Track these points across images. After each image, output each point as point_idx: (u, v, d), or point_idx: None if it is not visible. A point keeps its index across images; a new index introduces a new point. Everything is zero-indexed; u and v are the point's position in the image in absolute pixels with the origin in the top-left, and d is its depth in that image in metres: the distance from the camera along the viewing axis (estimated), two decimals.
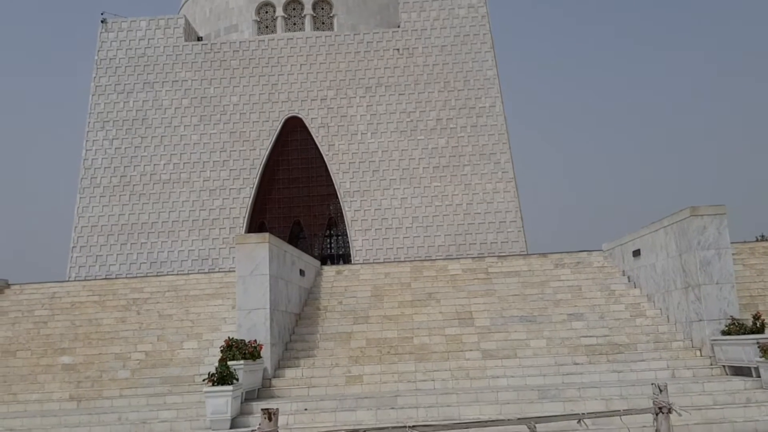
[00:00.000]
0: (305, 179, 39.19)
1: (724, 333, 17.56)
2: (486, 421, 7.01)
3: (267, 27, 40.86)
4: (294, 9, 41.01)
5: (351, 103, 38.03)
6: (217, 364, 16.60)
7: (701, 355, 18.27)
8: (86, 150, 37.82)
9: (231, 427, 15.52)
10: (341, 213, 37.35)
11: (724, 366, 17.55)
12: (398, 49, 38.98)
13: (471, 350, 19.21)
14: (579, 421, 6.53)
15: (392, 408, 15.82)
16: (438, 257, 33.35)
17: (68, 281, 27.36)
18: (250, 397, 17.17)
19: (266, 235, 19.16)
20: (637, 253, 21.93)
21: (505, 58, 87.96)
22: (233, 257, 28.99)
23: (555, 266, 24.33)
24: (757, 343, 16.31)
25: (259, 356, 17.63)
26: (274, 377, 18.44)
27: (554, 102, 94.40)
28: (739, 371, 17.15)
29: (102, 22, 39.51)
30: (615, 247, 23.98)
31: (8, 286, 25.51)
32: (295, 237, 39.55)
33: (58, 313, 22.93)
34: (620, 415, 6.75)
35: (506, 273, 23.93)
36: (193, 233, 36.59)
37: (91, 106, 38.49)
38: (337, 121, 37.85)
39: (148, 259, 36.26)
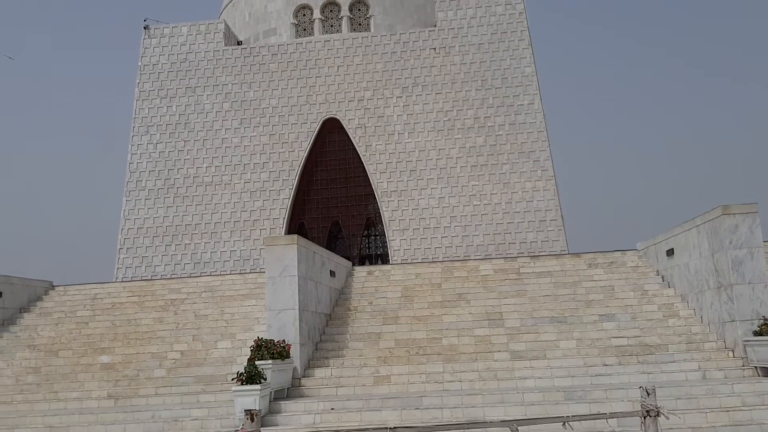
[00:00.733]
0: (343, 180, 39.55)
1: (756, 334, 17.19)
2: (467, 424, 7.10)
3: (305, 30, 41.34)
4: (331, 11, 41.38)
5: (388, 104, 38.22)
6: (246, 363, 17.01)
7: (734, 357, 17.92)
8: (131, 154, 38.91)
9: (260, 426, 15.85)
10: (379, 213, 37.57)
11: (756, 367, 17.18)
12: (435, 48, 39.00)
13: (500, 351, 19.21)
14: (564, 424, 6.57)
15: (417, 408, 15.97)
16: (476, 257, 33.31)
17: (109, 283, 28.23)
18: (279, 396, 17.52)
19: (295, 236, 19.49)
20: (670, 253, 21.58)
21: (545, 54, 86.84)
22: None
23: (588, 266, 24.09)
24: None
25: (287, 356, 17.97)
26: (304, 377, 18.76)
27: (591, 99, 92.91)
28: None
29: (145, 28, 40.58)
30: (649, 246, 23.62)
31: (53, 287, 26.51)
32: (333, 237, 39.96)
33: (99, 313, 23.74)
34: (606, 418, 6.75)
35: (538, 273, 23.80)
36: (234, 234, 37.31)
37: (135, 111, 39.59)
38: (374, 122, 38.09)
39: (192, 260, 37.12)
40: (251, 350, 17.46)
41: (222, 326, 21.88)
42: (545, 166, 36.50)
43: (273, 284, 19.03)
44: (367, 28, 40.91)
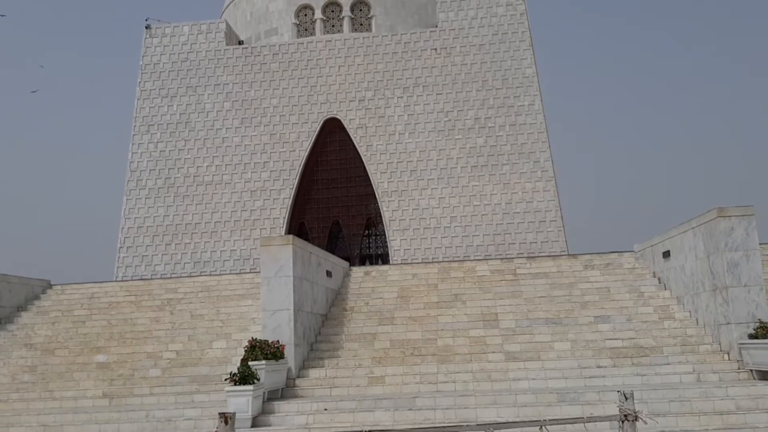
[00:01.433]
0: (344, 180, 39.57)
1: (751, 337, 17.13)
2: (446, 427, 7.11)
3: (306, 30, 41.38)
4: (332, 11, 41.41)
5: (389, 104, 38.24)
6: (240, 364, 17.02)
7: (729, 359, 17.86)
8: (132, 153, 39.00)
9: (252, 426, 15.91)
10: (379, 213, 37.59)
11: (751, 370, 17.12)
12: (436, 49, 39.00)
13: (494, 352, 19.19)
14: (541, 428, 6.57)
15: (410, 409, 15.97)
16: (476, 257, 33.30)
17: (107, 282, 28.28)
18: (273, 396, 17.54)
19: (290, 237, 19.51)
20: (666, 255, 21.53)
21: (543, 56, 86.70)
22: None
23: (584, 267, 24.05)
24: None
25: (281, 356, 17.99)
26: (298, 377, 18.77)
27: (590, 100, 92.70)
28: (767, 376, 16.71)
29: (146, 27, 40.66)
30: (646, 248, 23.57)
31: (50, 286, 26.58)
32: (333, 237, 39.99)
33: (95, 312, 23.80)
34: (584, 422, 6.74)
35: (534, 274, 23.77)
36: (234, 234, 37.38)
37: (136, 110, 39.68)
38: (375, 122, 38.11)
39: (192, 259, 37.19)
40: (245, 350, 17.48)
41: (218, 326, 21.92)
42: (545, 167, 36.48)
43: (268, 284, 19.05)
44: (369, 29, 40.93)
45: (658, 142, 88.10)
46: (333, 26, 41.24)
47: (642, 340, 19.16)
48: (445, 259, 33.14)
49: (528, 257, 27.26)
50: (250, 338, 17.95)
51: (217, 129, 38.89)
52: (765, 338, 16.71)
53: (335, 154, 39.76)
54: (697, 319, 19.72)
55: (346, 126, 38.24)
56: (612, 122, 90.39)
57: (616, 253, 24.87)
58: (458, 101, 37.91)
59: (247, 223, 37.50)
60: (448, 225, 36.17)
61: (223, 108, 39.06)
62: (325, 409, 16.41)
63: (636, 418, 6.67)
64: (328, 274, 22.79)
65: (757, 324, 17.18)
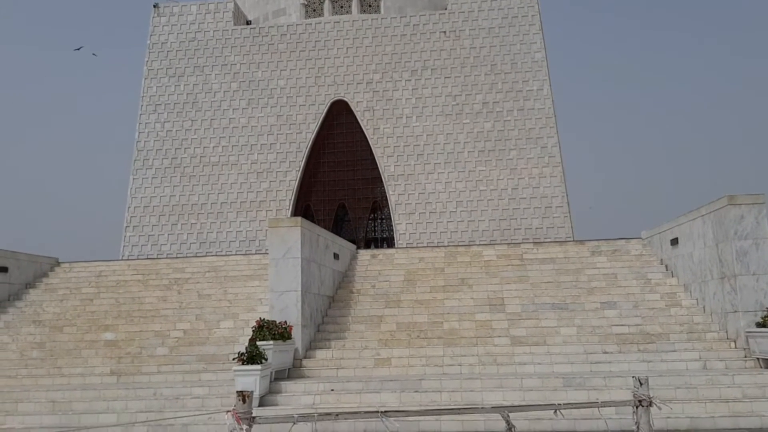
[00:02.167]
0: (350, 162, 39.48)
1: (759, 325, 17.12)
2: (460, 409, 7.14)
3: (314, 10, 41.12)
4: None
5: (397, 87, 38.08)
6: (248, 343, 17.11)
7: (735, 347, 17.87)
8: (139, 132, 38.98)
9: (259, 405, 15.98)
10: (386, 197, 37.56)
11: (758, 359, 17.12)
12: (445, 32, 38.77)
13: (500, 336, 19.24)
14: (555, 412, 6.59)
15: (416, 391, 16.05)
16: (481, 242, 33.30)
17: (114, 260, 28.36)
18: (280, 376, 17.63)
19: (299, 219, 19.52)
20: (675, 242, 21.50)
21: (553, 40, 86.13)
22: None
23: (591, 253, 24.04)
24: None
25: (289, 337, 18.07)
26: (305, 358, 18.85)
27: (600, 87, 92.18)
28: None
29: (154, 6, 40.49)
30: (654, 235, 23.54)
31: (58, 264, 26.67)
32: (339, 220, 39.99)
33: (103, 291, 23.89)
34: (598, 407, 6.76)
35: (541, 260, 23.78)
36: (240, 215, 37.41)
37: (143, 90, 39.59)
38: (383, 105, 37.98)
39: (198, 239, 37.26)
40: (253, 331, 17.55)
41: (225, 306, 21.99)
42: (552, 152, 36.35)
43: (276, 266, 19.10)
44: (377, 10, 40.66)
45: (668, 130, 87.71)
46: (341, 7, 40.98)
47: (648, 326, 19.18)
48: (451, 244, 33.16)
49: (535, 242, 27.26)
50: (258, 318, 18.02)
51: (224, 109, 38.81)
52: None
53: (342, 137, 39.65)
54: (704, 307, 19.73)
55: (353, 108, 38.12)
56: (621, 110, 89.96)
57: (624, 240, 24.84)
58: (466, 85, 37.73)
59: (253, 205, 37.52)
60: (454, 209, 36.15)
61: (230, 88, 38.96)
62: (332, 390, 16.50)
63: (650, 404, 6.68)
64: (336, 256, 22.82)
65: (765, 312, 17.17)
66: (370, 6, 41.03)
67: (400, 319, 20.59)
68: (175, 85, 39.38)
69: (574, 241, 27.39)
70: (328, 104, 38.25)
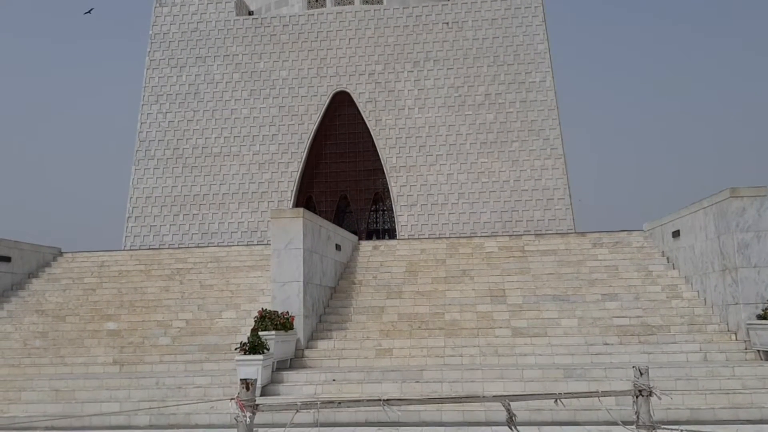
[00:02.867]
0: (352, 154, 39.47)
1: (759, 317, 17.16)
2: (461, 398, 7.19)
3: (317, 1, 41.00)
4: None
5: (399, 78, 38.03)
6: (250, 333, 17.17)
7: (736, 339, 17.93)
8: (141, 123, 38.98)
9: (261, 395, 16.05)
10: (387, 188, 37.57)
11: (758, 351, 17.18)
12: (447, 23, 38.67)
13: (501, 327, 19.30)
14: (556, 401, 6.64)
15: (417, 381, 16.12)
16: (483, 234, 33.33)
17: (117, 251, 28.44)
18: (282, 366, 17.71)
19: (301, 210, 19.56)
20: (676, 234, 21.53)
21: (555, 32, 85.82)
22: None
23: (593, 245, 24.08)
24: None
25: (291, 327, 18.13)
26: (307, 348, 18.93)
27: (602, 79, 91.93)
28: None
29: None
30: (656, 227, 23.57)
31: (61, 254, 26.75)
32: (341, 211, 40.02)
33: (106, 281, 23.97)
34: (598, 396, 6.81)
35: (543, 251, 23.82)
36: (242, 206, 37.46)
37: (145, 80, 39.56)
38: (385, 96, 37.94)
39: (200, 230, 37.33)
40: (255, 321, 17.62)
41: (227, 296, 22.07)
42: (555, 144, 36.32)
43: (278, 257, 19.15)
44: (380, 1, 40.53)
45: (671, 122, 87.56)
46: None
47: (649, 318, 19.24)
48: (452, 235, 33.21)
49: (536, 234, 27.30)
50: (260, 309, 18.09)
51: (225, 100, 38.80)
52: None
53: (344, 128, 39.62)
54: (705, 299, 19.77)
55: (355, 100, 38.09)
56: (624, 102, 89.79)
57: (625, 232, 24.87)
58: (469, 76, 37.67)
59: (255, 196, 37.56)
60: (456, 201, 36.15)
61: (232, 79, 38.93)
62: (333, 380, 16.58)
63: (650, 394, 6.73)
64: (338, 247, 22.86)
65: (766, 305, 17.22)
66: None
67: (401, 310, 20.66)
68: (177, 76, 39.36)
69: (575, 233, 27.42)
70: (330, 95, 38.22)
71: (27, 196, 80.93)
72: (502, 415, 6.72)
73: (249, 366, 16.12)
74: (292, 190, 37.49)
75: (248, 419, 6.08)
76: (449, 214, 36.00)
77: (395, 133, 37.48)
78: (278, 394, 16.26)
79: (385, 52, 38.46)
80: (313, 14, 39.42)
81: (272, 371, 16.96)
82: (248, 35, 39.46)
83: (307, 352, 18.72)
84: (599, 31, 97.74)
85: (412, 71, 38.07)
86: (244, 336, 18.22)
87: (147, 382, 16.85)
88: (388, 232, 39.81)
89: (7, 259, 23.83)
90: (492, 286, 21.64)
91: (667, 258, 22.51)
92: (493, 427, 12.89)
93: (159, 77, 39.39)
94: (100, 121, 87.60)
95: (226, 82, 38.93)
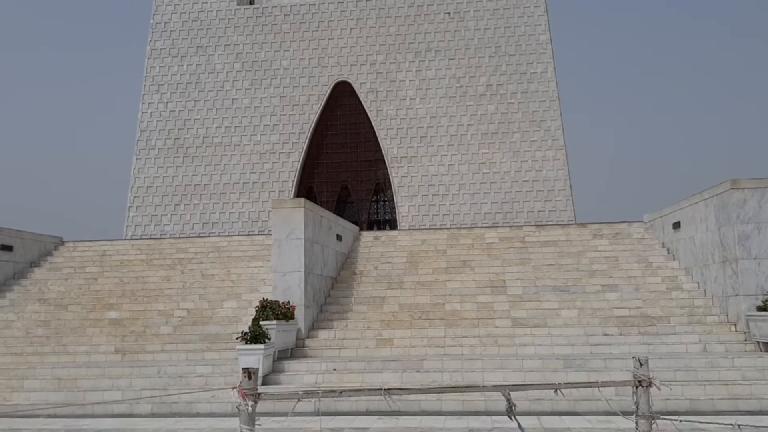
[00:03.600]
0: (353, 144, 39.47)
1: (759, 309, 17.21)
2: (461, 388, 7.24)
3: None
4: None
5: (400, 68, 37.97)
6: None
7: (736, 331, 17.99)
8: (142, 112, 38.97)
9: (262, 384, 16.11)
10: (388, 179, 37.59)
11: (758, 342, 17.25)
12: (449, 13, 38.57)
13: (501, 318, 19.38)
14: (556, 391, 6.69)
15: (417, 371, 16.20)
16: (483, 225, 33.37)
17: (118, 240, 28.50)
18: (283, 356, 17.79)
19: (302, 200, 19.60)
20: (677, 226, 21.56)
21: (557, 22, 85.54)
22: None
23: (593, 237, 24.13)
24: None
25: (292, 317, 18.21)
26: (308, 338, 19.01)
27: (603, 69, 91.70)
28: None
29: None
30: (656, 218, 23.60)
31: (62, 243, 26.81)
32: (342, 202, 40.06)
33: (107, 270, 24.04)
34: (598, 386, 6.86)
35: (543, 242, 23.87)
36: (243, 196, 37.49)
37: (146, 69, 39.52)
38: (386, 86, 37.89)
39: (201, 220, 37.39)
40: (256, 310, 17.69)
41: (228, 286, 22.14)
42: (556, 135, 36.31)
43: (279, 247, 19.20)
44: None
45: (673, 114, 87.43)
46: None
47: (649, 309, 19.30)
48: (453, 226, 33.25)
49: (537, 225, 27.35)
50: (262, 298, 18.15)
51: (227, 90, 38.77)
52: None
53: (345, 118, 39.60)
54: (705, 291, 19.83)
55: (356, 90, 38.05)
56: (626, 93, 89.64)
57: (626, 223, 24.91)
58: (470, 67, 37.60)
59: (256, 186, 37.59)
60: (457, 192, 36.17)
61: (233, 69, 38.88)
62: (334, 369, 16.65)
63: (650, 384, 6.77)
64: (339, 237, 22.91)
65: (766, 296, 17.26)
66: None
67: (402, 300, 20.73)
68: (178, 65, 39.31)
69: (576, 224, 27.45)
70: (332, 85, 38.17)
71: (28, 183, 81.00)
72: (502, 405, 6.77)
73: (250, 355, 16.20)
74: (293, 181, 37.51)
75: (250, 408, 6.13)
76: (450, 204, 36.02)
77: (396, 124, 37.45)
78: (279, 384, 16.35)
79: (386, 42, 38.39)
80: (314, 4, 39.31)
81: (273, 361, 17.04)
82: (249, 24, 39.38)
83: (308, 342, 18.80)
84: (601, 21, 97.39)
85: (414, 61, 38.00)
86: (245, 325, 18.30)
87: (149, 370, 16.94)
88: (389, 222, 39.86)
89: (9, 248, 23.89)
90: (492, 276, 21.70)
91: (668, 249, 22.55)
92: (493, 417, 12.97)
93: (160, 66, 39.34)
94: (102, 110, 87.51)
95: (227, 72, 38.88)
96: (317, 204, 28.57)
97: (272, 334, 16.99)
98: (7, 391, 16.00)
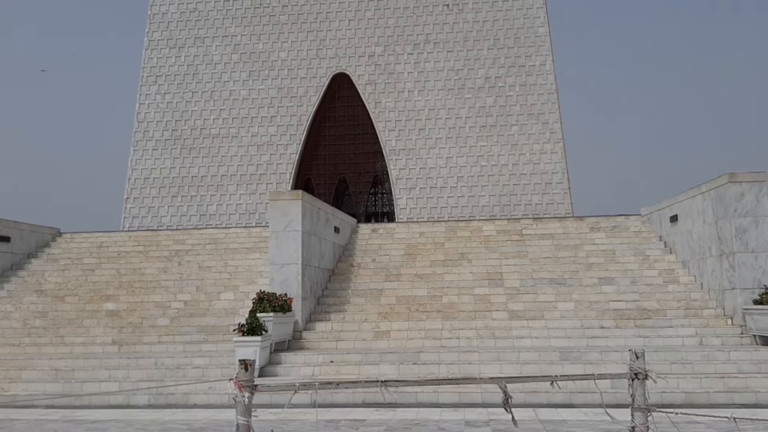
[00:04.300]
0: (351, 136, 39.48)
1: (756, 302, 17.25)
2: (458, 380, 7.25)
3: None
4: None
5: (399, 60, 37.89)
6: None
7: (732, 324, 18.03)
8: (139, 104, 38.87)
9: (259, 376, 16.14)
10: (386, 171, 37.56)
11: (754, 336, 17.29)
12: (448, 5, 38.48)
13: (498, 310, 19.40)
14: (552, 383, 6.71)
15: (414, 363, 16.22)
16: (481, 217, 33.38)
17: (115, 231, 28.47)
18: (280, 348, 17.78)
19: (299, 192, 19.57)
20: (674, 219, 21.58)
21: (556, 15, 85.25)
22: None
23: (590, 230, 24.14)
24: None
25: (289, 309, 18.20)
26: (305, 330, 19.02)
27: (602, 64, 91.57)
28: None
29: None
30: (653, 211, 23.62)
31: (60, 234, 26.76)
32: (340, 194, 40.06)
33: (105, 261, 24.02)
34: (594, 379, 6.87)
35: (540, 235, 23.88)
36: (240, 187, 37.46)
37: (144, 61, 39.41)
38: (385, 78, 37.82)
39: (198, 212, 37.36)
40: (253, 302, 17.68)
41: (225, 278, 22.13)
42: (554, 128, 36.30)
43: (276, 239, 19.18)
44: None
45: (672, 107, 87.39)
46: None
47: (646, 302, 19.32)
48: (451, 219, 33.26)
49: (534, 218, 27.36)
50: (259, 291, 18.13)
51: (224, 81, 38.67)
52: None
53: (343, 110, 39.60)
54: (701, 284, 19.86)
55: (354, 82, 37.98)
56: (625, 85, 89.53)
57: (623, 216, 24.92)
58: (469, 59, 37.54)
59: (253, 178, 37.55)
60: (455, 185, 36.18)
61: (231, 60, 38.77)
62: (331, 361, 16.67)
63: (646, 377, 6.79)
64: (336, 230, 22.90)
65: (763, 290, 17.29)
66: None
67: (399, 292, 20.74)
68: (176, 57, 39.20)
69: (573, 217, 27.48)
70: (330, 77, 38.09)
71: (25, 175, 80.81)
72: (499, 397, 6.78)
73: (247, 347, 16.20)
74: (290, 173, 37.47)
75: (246, 399, 6.14)
76: (448, 197, 36.04)
77: (394, 116, 37.41)
78: (276, 375, 16.37)
79: (384, 33, 38.29)
80: None
81: (270, 353, 17.05)
82: (247, 16, 39.25)
83: (305, 334, 18.80)
84: (600, 13, 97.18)
85: (412, 53, 37.93)
86: (242, 317, 18.30)
87: (146, 362, 16.94)
88: (387, 215, 39.88)
89: (7, 239, 23.86)
90: (490, 269, 21.71)
91: (665, 242, 22.57)
92: (489, 409, 12.99)
93: (158, 58, 39.23)
94: (99, 101, 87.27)
95: (225, 63, 38.78)
96: (315, 196, 28.52)
97: (269, 326, 16.98)
98: (4, 382, 16.01)
